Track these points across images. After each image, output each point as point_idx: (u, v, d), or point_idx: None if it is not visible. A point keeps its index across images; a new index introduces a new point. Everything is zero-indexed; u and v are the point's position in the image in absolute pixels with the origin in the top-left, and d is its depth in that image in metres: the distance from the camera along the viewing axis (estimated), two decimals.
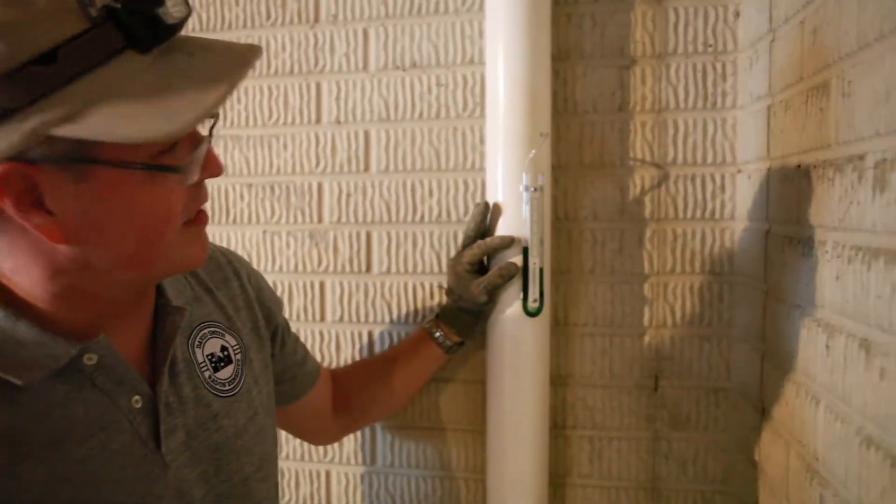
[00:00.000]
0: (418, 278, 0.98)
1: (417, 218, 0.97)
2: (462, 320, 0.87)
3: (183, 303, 0.63)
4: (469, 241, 0.86)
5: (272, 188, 1.02)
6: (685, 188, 0.90)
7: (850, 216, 0.57)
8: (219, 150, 1.02)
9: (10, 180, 0.45)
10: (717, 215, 0.89)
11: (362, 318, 1.00)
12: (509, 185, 0.85)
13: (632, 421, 0.93)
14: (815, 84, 0.65)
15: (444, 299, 0.92)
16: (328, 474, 1.04)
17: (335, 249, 1.00)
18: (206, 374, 0.64)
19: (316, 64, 0.99)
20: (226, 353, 0.67)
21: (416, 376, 0.91)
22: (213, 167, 0.55)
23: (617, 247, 0.92)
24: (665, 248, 0.91)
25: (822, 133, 0.63)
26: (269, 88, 1.01)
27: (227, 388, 0.65)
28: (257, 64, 1.00)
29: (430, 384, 0.97)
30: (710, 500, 0.92)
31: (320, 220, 1.00)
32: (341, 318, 1.01)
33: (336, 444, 1.02)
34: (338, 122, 0.99)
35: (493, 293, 0.84)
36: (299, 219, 1.01)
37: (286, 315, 0.90)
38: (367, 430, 1.01)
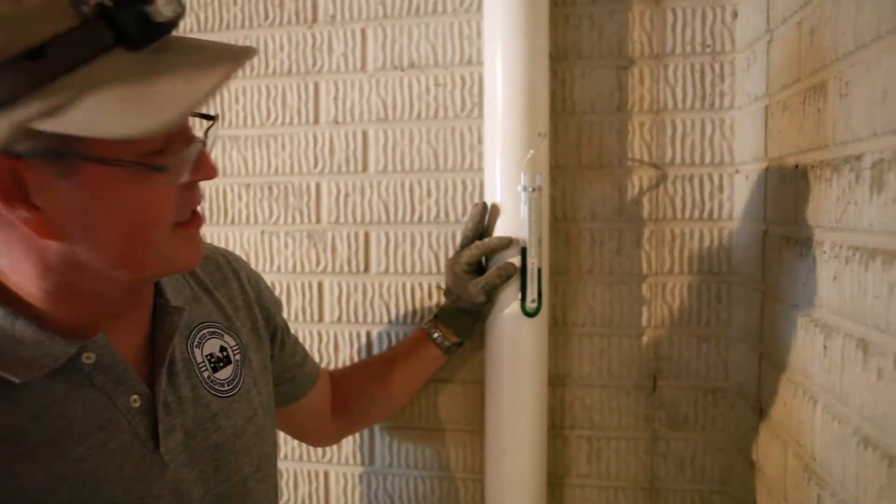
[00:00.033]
0: (416, 278, 0.98)
1: (416, 218, 0.97)
2: (460, 321, 0.87)
3: (182, 303, 0.63)
4: (467, 242, 0.86)
5: (270, 188, 1.01)
6: (683, 188, 0.90)
7: (847, 216, 0.57)
8: (217, 150, 1.02)
9: None
10: (715, 215, 0.89)
11: (360, 319, 1.00)
12: (507, 185, 0.85)
13: (630, 421, 0.93)
14: (812, 84, 0.65)
15: (443, 300, 0.92)
16: (326, 475, 1.04)
17: (333, 250, 1.00)
18: (205, 374, 0.64)
19: (314, 64, 0.99)
20: (225, 353, 0.67)
21: (414, 377, 0.91)
22: (205, 170, 0.54)
23: (615, 247, 0.92)
24: (663, 249, 0.91)
25: (819, 133, 0.63)
26: (268, 88, 1.00)
27: (226, 388, 0.65)
28: (255, 64, 1.00)
29: (429, 384, 0.97)
30: (708, 500, 0.92)
31: (318, 220, 1.00)
32: (339, 319, 1.01)
33: (334, 445, 1.02)
34: (336, 122, 0.99)
35: (492, 293, 0.84)
36: (297, 219, 1.01)
37: (285, 316, 0.90)
38: (366, 431, 1.01)
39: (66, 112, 0.43)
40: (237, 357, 0.68)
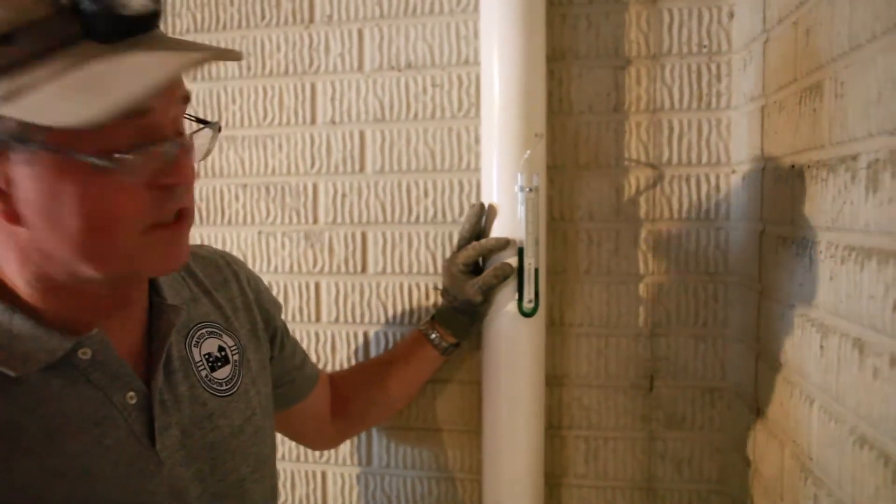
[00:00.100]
0: (414, 279, 0.98)
1: (413, 218, 0.97)
2: (457, 321, 0.87)
3: (180, 302, 0.63)
4: (464, 242, 0.86)
5: (267, 189, 1.01)
6: (680, 188, 0.90)
7: (843, 216, 0.57)
8: (214, 150, 1.02)
9: None
10: (712, 215, 0.90)
11: (358, 319, 1.00)
12: (504, 185, 0.85)
13: (627, 421, 0.93)
14: (808, 85, 0.65)
15: (440, 300, 0.92)
16: (324, 475, 1.04)
17: (330, 250, 1.00)
18: (203, 373, 0.64)
19: (311, 64, 0.99)
20: (223, 353, 0.67)
21: (412, 378, 0.91)
22: (178, 174, 0.52)
23: (612, 247, 0.92)
24: (660, 249, 0.91)
25: (815, 134, 0.63)
26: (264, 89, 1.00)
27: (224, 387, 0.65)
28: (252, 64, 1.00)
29: (426, 385, 0.96)
30: (705, 499, 0.92)
31: (315, 220, 1.00)
32: (337, 319, 1.01)
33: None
34: (333, 122, 0.99)
35: (488, 293, 0.84)
36: (294, 219, 1.01)
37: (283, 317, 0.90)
38: (363, 431, 1.01)
39: (22, 98, 0.44)
40: (235, 357, 0.68)
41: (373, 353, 1.00)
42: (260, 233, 1.02)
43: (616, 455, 0.94)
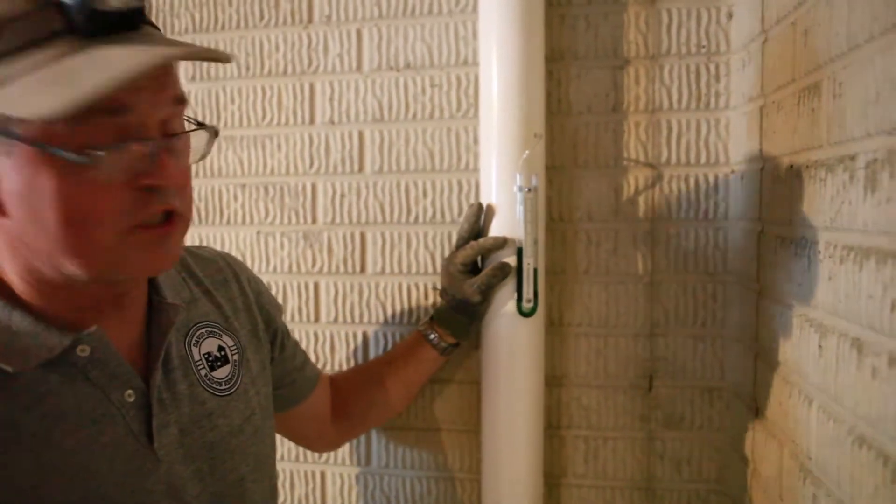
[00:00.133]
0: (412, 279, 0.98)
1: (411, 219, 0.97)
2: (456, 321, 0.87)
3: (179, 302, 0.63)
4: (462, 242, 0.86)
5: (266, 189, 1.01)
6: (679, 188, 0.90)
7: (841, 216, 0.57)
8: (213, 150, 1.01)
9: None
10: (711, 215, 0.90)
11: (357, 319, 1.00)
12: (503, 185, 0.85)
13: (626, 421, 0.93)
14: (806, 85, 0.65)
15: (439, 300, 0.92)
16: (323, 475, 1.03)
17: (329, 250, 1.00)
18: (202, 372, 0.64)
19: (309, 64, 0.99)
20: (223, 352, 0.67)
21: (412, 379, 0.91)
22: (160, 175, 0.50)
23: (611, 247, 0.92)
24: (659, 249, 0.91)
25: (813, 134, 0.63)
26: (263, 89, 1.00)
27: (224, 387, 0.65)
28: (251, 64, 1.00)
29: (425, 385, 0.96)
30: (704, 499, 0.92)
31: (314, 220, 1.00)
32: (336, 319, 1.01)
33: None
34: (332, 122, 0.99)
35: (487, 293, 0.84)
36: (293, 219, 1.01)
37: None
38: None
39: (1, 90, 0.45)
40: (235, 357, 0.68)
41: (372, 354, 1.00)
42: (259, 233, 1.02)
43: (615, 455, 0.94)
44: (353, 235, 0.99)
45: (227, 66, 1.01)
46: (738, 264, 0.87)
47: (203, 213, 1.04)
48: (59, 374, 0.53)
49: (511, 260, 0.84)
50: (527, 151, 0.83)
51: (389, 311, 0.99)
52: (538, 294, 0.85)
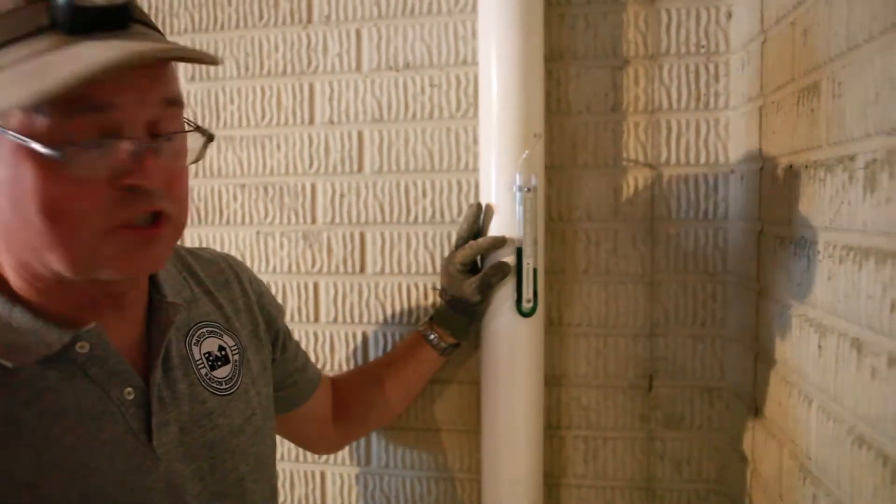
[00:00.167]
0: (412, 279, 0.98)
1: (411, 219, 0.97)
2: (456, 321, 0.87)
3: (180, 301, 0.63)
4: (462, 242, 0.86)
5: (265, 189, 1.01)
6: (678, 188, 0.90)
7: (841, 216, 0.57)
8: (212, 150, 1.02)
9: None
10: (710, 215, 0.90)
11: (356, 319, 1.00)
12: (503, 185, 0.85)
13: (626, 421, 0.93)
14: (806, 85, 0.65)
15: (438, 300, 0.92)
16: (323, 475, 1.03)
17: (329, 250, 1.00)
18: (203, 371, 0.64)
19: (309, 64, 0.99)
20: (223, 352, 0.67)
21: (413, 380, 0.91)
22: (141, 175, 0.50)
23: (611, 247, 0.92)
24: (658, 249, 0.91)
25: (813, 134, 0.63)
26: (262, 89, 1.00)
27: (224, 386, 0.65)
28: (250, 64, 1.00)
29: (425, 386, 0.96)
30: (704, 499, 0.92)
31: (314, 220, 1.00)
32: (335, 319, 1.01)
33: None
34: (331, 122, 0.98)
35: (486, 293, 0.84)
36: (293, 220, 1.01)
37: None
38: None
39: None
40: (236, 357, 0.68)
41: (371, 354, 1.00)
42: (258, 233, 1.02)
43: (615, 455, 0.94)
44: (352, 235, 0.99)
45: (227, 66, 1.01)
46: (737, 264, 0.87)
47: (202, 214, 1.04)
48: (59, 371, 0.53)
49: (510, 260, 0.84)
50: (526, 151, 0.83)
51: (389, 311, 0.99)
52: (538, 294, 0.85)
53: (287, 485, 1.04)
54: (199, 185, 1.03)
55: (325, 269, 1.00)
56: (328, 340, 1.01)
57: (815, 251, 0.62)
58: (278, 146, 1.00)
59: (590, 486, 0.95)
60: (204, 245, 1.04)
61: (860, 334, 0.54)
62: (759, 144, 0.79)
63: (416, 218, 0.97)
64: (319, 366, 1.00)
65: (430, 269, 0.97)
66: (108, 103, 0.48)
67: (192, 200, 1.03)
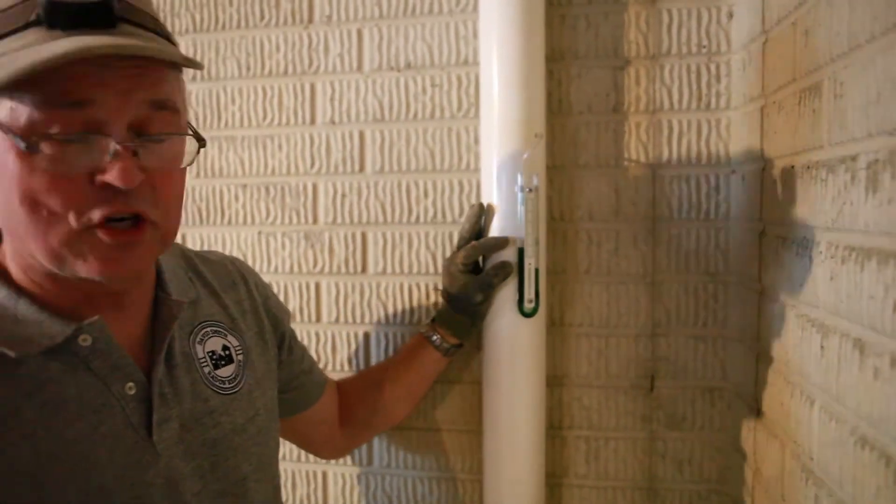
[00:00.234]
0: (414, 279, 0.98)
1: (413, 219, 0.97)
2: (458, 322, 0.87)
3: (184, 299, 0.64)
4: (464, 242, 0.86)
5: (267, 189, 1.01)
6: (679, 189, 0.90)
7: (843, 217, 0.57)
8: (213, 150, 1.02)
9: None
10: (712, 216, 0.90)
11: (358, 319, 1.00)
12: (504, 185, 0.85)
13: (628, 421, 0.93)
14: (807, 85, 0.65)
15: (440, 301, 0.92)
16: (325, 475, 1.04)
17: (330, 250, 1.00)
18: (206, 369, 0.64)
19: (310, 65, 0.99)
20: (227, 352, 0.67)
21: (416, 382, 0.91)
22: (112, 173, 0.49)
23: (612, 247, 0.92)
24: (660, 249, 0.91)
25: (814, 134, 0.63)
26: (264, 89, 1.00)
27: (227, 386, 0.65)
28: (252, 65, 1.00)
29: (428, 389, 0.96)
30: (705, 499, 0.92)
31: (315, 220, 1.00)
32: (337, 320, 1.01)
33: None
34: (332, 122, 0.98)
35: (488, 293, 0.84)
36: (294, 220, 1.01)
37: None
38: None
39: None
40: (240, 357, 0.68)
41: (373, 354, 1.00)
42: (260, 233, 1.02)
43: (617, 455, 0.94)
44: (354, 235, 0.99)
45: (228, 66, 1.01)
46: (739, 264, 0.87)
47: (204, 214, 1.04)
48: (61, 363, 0.54)
49: (512, 260, 0.84)
50: (527, 151, 0.83)
51: (391, 312, 0.99)
52: (539, 294, 0.85)
53: (289, 484, 1.04)
54: (200, 185, 1.03)
55: (326, 269, 1.00)
56: (330, 341, 1.01)
57: (817, 251, 0.62)
58: (280, 146, 1.00)
59: (591, 486, 0.95)
60: (205, 245, 1.04)
61: (862, 335, 0.54)
62: (760, 145, 0.79)
63: (417, 218, 0.97)
64: (321, 366, 1.00)
65: (431, 270, 0.97)
66: (88, 99, 0.48)
67: (193, 201, 1.03)
